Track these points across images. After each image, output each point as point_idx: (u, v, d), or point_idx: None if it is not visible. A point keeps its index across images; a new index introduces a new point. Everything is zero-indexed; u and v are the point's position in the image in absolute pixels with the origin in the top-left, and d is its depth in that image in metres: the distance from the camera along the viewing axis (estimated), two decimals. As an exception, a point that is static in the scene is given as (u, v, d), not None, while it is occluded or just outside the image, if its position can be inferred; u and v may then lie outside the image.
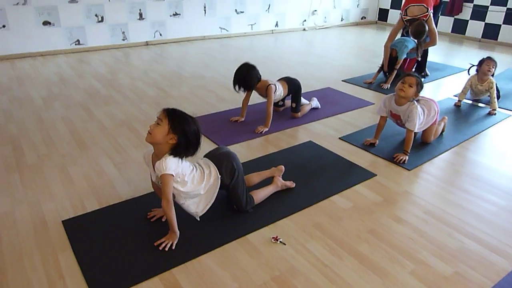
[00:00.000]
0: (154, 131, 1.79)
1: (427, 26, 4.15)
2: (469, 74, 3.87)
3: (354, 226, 2.09)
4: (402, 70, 4.44)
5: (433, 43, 4.39)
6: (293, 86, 3.36)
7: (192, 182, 1.90)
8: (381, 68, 4.49)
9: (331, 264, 1.82)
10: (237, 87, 3.16)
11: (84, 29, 5.47)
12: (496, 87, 3.82)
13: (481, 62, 3.75)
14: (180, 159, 1.82)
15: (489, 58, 3.74)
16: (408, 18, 4.25)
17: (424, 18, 4.16)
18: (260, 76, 3.20)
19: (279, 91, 3.25)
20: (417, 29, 4.15)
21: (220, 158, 2.03)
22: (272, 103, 3.18)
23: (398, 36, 4.58)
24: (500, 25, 6.69)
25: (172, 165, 1.79)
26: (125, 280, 1.70)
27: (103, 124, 3.24)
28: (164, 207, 1.82)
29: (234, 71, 3.18)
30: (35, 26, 5.12)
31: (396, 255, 1.89)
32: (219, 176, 1.98)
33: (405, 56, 4.34)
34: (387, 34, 4.46)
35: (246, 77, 3.14)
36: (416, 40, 4.35)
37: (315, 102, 3.64)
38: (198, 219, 2.01)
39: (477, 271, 1.81)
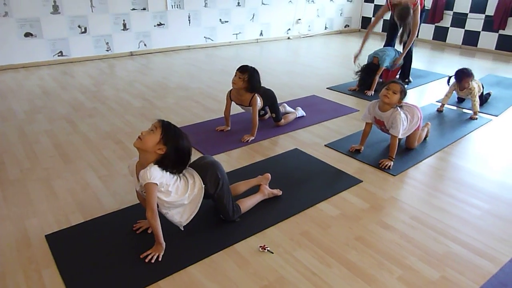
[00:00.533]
0: (146, 137, 1.79)
1: (411, 11, 4.24)
2: (448, 85, 3.93)
3: (342, 233, 2.09)
4: (384, 80, 4.54)
5: (413, 35, 4.44)
6: (267, 97, 3.31)
7: (176, 192, 1.88)
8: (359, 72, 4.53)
9: (320, 272, 1.82)
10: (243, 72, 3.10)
11: (67, 40, 5.43)
12: (483, 94, 3.92)
13: (459, 78, 3.79)
14: (164, 170, 1.81)
15: (465, 74, 3.75)
16: (395, 2, 4.36)
17: (413, 6, 4.27)
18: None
19: (258, 100, 3.22)
20: (401, 11, 4.25)
21: (204, 168, 2.02)
22: (257, 113, 3.19)
23: (378, 44, 4.65)
24: (479, 32, 6.85)
25: (157, 174, 1.78)
26: (111, 295, 1.67)
27: (87, 136, 3.20)
28: (148, 217, 1.80)
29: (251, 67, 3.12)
30: (17, 38, 5.05)
31: (384, 261, 1.90)
32: (203, 186, 1.97)
33: (386, 64, 4.40)
34: (371, 42, 4.53)
35: (258, 81, 3.15)
36: (395, 48, 4.47)
37: (300, 112, 3.66)
38: (182, 229, 2.00)
39: (464, 274, 1.83)
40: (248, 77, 3.08)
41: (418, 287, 1.75)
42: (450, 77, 3.93)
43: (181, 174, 1.96)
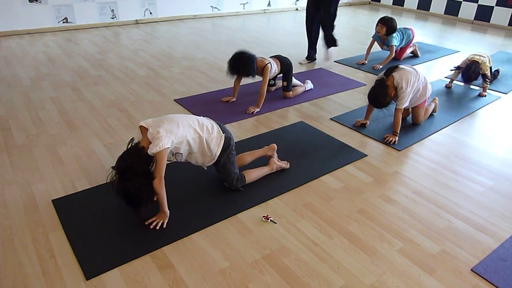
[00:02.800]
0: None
1: None
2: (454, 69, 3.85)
3: (344, 206, 2.11)
4: (398, 58, 4.50)
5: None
6: (284, 64, 3.34)
7: (195, 132, 1.93)
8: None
9: (321, 243, 1.85)
10: (235, 75, 3.17)
11: (72, 7, 5.35)
12: (491, 70, 3.83)
13: (466, 79, 3.73)
14: (166, 133, 1.82)
15: (474, 65, 3.65)
16: None
17: None
18: (255, 58, 3.12)
19: (274, 68, 3.24)
20: None
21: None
22: (267, 83, 3.16)
23: None
24: (493, 7, 6.66)
25: (164, 140, 1.79)
26: (116, 258, 1.71)
27: (92, 104, 3.20)
28: (156, 186, 1.81)
29: (231, 60, 3.07)
30: (21, 3, 4.98)
31: (385, 234, 1.92)
32: (223, 135, 2.03)
33: (395, 43, 4.31)
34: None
35: (248, 65, 3.05)
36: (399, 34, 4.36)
37: (309, 85, 3.62)
38: (205, 168, 2.10)
39: (464, 249, 1.85)
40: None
41: (418, 260, 1.77)
42: (457, 68, 3.81)
43: (196, 121, 2.00)
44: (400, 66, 2.81)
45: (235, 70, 3.09)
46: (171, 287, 1.59)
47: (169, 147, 1.80)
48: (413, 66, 2.95)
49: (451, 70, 3.85)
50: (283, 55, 3.42)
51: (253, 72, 3.08)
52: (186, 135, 1.90)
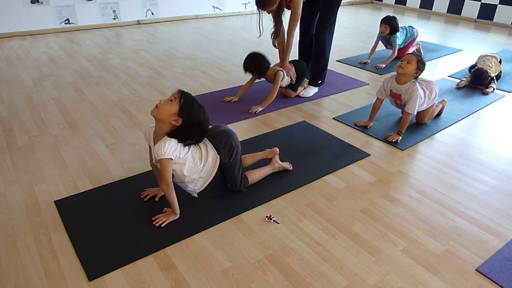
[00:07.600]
0: (163, 107, 1.76)
1: None
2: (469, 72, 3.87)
3: (348, 206, 2.10)
4: (400, 57, 4.47)
5: (290, 31, 3.20)
6: (298, 68, 3.38)
7: (192, 162, 1.90)
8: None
9: (324, 243, 1.83)
10: (248, 72, 3.26)
11: (73, 7, 5.35)
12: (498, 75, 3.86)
13: (475, 81, 3.77)
14: (177, 142, 1.81)
15: (480, 81, 3.72)
16: None
17: None
18: (269, 63, 3.26)
19: (287, 77, 3.30)
20: None
21: (218, 137, 2.01)
22: (278, 88, 3.22)
23: None
24: (496, 5, 6.63)
25: (171, 148, 1.78)
26: (118, 259, 1.70)
27: (94, 105, 3.20)
28: (164, 190, 1.83)
29: (246, 58, 3.23)
30: (23, 4, 4.99)
31: (389, 234, 1.91)
32: (218, 156, 1.97)
33: (398, 42, 4.31)
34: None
35: (261, 63, 3.20)
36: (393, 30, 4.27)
37: (305, 83, 3.61)
38: (196, 195, 2.04)
39: (468, 249, 1.83)
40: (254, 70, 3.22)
41: (422, 260, 1.76)
42: (471, 68, 3.84)
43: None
44: (424, 80, 2.88)
45: (246, 67, 3.23)
46: (174, 287, 1.59)
47: (171, 159, 1.81)
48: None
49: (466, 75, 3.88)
50: (298, 59, 3.45)
51: (260, 70, 3.21)
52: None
